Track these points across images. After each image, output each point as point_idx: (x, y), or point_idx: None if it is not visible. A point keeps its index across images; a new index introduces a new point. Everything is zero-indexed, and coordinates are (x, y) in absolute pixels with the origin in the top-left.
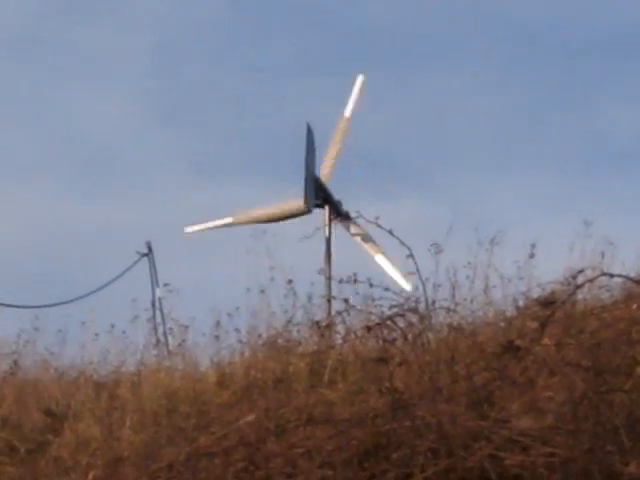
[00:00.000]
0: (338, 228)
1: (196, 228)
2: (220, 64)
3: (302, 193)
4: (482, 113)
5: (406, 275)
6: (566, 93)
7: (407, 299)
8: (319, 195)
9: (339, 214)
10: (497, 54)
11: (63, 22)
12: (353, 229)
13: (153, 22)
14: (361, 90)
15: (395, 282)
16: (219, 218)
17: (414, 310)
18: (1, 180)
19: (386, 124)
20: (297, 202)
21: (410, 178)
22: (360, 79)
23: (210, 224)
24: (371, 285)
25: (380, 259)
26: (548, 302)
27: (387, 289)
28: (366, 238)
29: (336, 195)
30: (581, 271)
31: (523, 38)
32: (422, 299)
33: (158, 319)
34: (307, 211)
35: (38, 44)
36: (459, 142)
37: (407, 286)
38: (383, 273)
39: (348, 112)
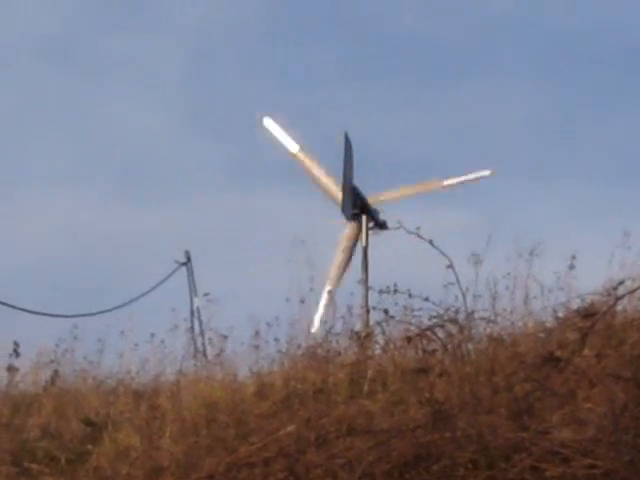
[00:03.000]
0: (376, 238)
1: (317, 323)
2: (254, 70)
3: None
4: (520, 122)
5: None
6: (605, 102)
7: (447, 310)
8: (357, 204)
9: (376, 223)
10: (534, 62)
11: (98, 29)
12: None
13: (191, 28)
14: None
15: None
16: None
17: (454, 321)
18: (40, 188)
19: (421, 133)
20: (347, 232)
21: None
22: (267, 122)
23: (321, 310)
24: (410, 295)
25: (448, 182)
26: (588, 313)
27: (427, 299)
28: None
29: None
30: (621, 282)
31: (560, 46)
32: (462, 310)
33: (197, 329)
34: (347, 219)
35: (73, 51)
36: (497, 151)
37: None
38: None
39: (293, 148)
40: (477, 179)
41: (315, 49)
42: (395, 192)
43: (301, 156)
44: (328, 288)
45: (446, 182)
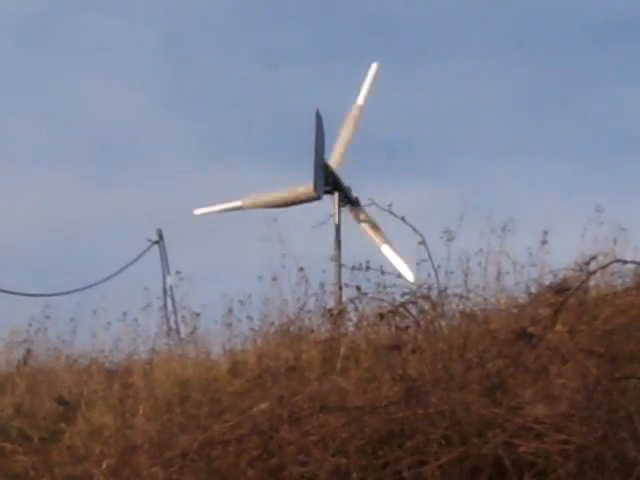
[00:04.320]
0: (347, 215)
1: (205, 211)
2: (231, 49)
3: (311, 179)
4: (492, 98)
5: (411, 266)
6: (578, 77)
7: (419, 286)
8: (329, 181)
9: (349, 200)
10: (506, 39)
11: (74, 8)
12: (361, 216)
13: (165, 8)
14: (375, 78)
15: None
16: (228, 201)
17: (426, 297)
18: (11, 168)
19: (396, 110)
20: (307, 188)
21: (421, 164)
22: (374, 67)
23: (219, 207)
24: (383, 272)
25: (386, 249)
26: (561, 289)
27: (399, 276)
28: (374, 226)
29: (346, 181)
30: (593, 258)
31: (531, 21)
32: (434, 286)
33: (170, 307)
34: (317, 198)
35: (49, 30)
36: (469, 128)
37: (411, 277)
38: (388, 264)
39: (361, 100)
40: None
41: (290, 27)
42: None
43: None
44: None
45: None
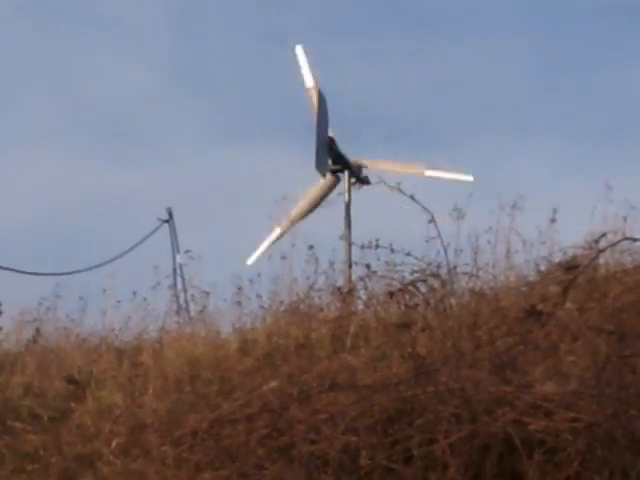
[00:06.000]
0: (358, 193)
1: (256, 255)
2: (242, 28)
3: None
4: (501, 77)
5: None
6: (585, 56)
7: (429, 264)
8: (338, 160)
9: (358, 179)
10: (513, 17)
11: None
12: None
13: None
14: (308, 59)
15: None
16: (268, 236)
17: (436, 275)
18: (22, 147)
19: (404, 90)
20: (329, 179)
21: (430, 144)
22: (299, 50)
23: (265, 245)
24: (392, 250)
25: (430, 172)
26: (570, 266)
27: (409, 254)
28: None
29: (356, 160)
30: (603, 235)
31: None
32: (444, 264)
33: (179, 286)
34: (322, 176)
35: (56, 8)
36: (478, 107)
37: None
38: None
39: (309, 83)
40: (458, 181)
41: (302, 4)
42: (377, 164)
43: (312, 93)
44: (280, 228)
45: (427, 172)
